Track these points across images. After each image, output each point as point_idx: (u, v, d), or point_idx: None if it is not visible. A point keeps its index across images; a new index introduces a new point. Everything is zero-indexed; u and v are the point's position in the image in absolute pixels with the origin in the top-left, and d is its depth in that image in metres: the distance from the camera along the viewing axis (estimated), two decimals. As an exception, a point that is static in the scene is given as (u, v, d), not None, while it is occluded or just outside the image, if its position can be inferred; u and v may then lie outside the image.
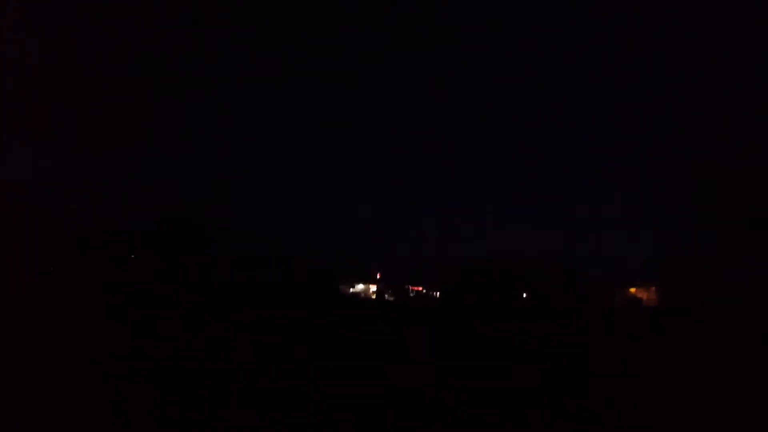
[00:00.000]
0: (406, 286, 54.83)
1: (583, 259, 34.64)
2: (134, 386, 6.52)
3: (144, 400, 5.83)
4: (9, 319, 12.30)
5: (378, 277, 57.09)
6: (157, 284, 28.55)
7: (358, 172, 72.01)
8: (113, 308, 16.56)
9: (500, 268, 43.72)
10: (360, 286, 57.75)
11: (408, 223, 68.16)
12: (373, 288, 57.24)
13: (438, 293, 55.07)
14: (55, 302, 16.41)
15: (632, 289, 28.26)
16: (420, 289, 55.58)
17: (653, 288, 27.03)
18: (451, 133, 72.31)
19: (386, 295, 53.43)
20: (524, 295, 39.97)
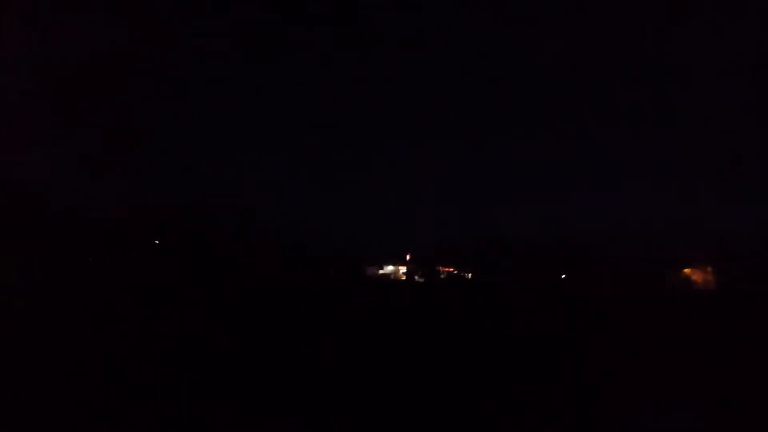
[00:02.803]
0: (437, 267, 53.81)
1: (629, 237, 32.32)
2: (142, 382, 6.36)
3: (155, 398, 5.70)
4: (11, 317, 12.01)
5: (408, 258, 56.20)
6: (190, 278, 28.41)
7: (385, 159, 71.27)
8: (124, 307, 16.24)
9: (536, 249, 41.86)
10: (390, 268, 57.15)
11: (439, 205, 66.84)
12: (402, 269, 56.48)
13: (470, 274, 53.78)
14: (60, 300, 16.20)
15: (687, 270, 25.91)
16: (451, 269, 54.39)
17: (710, 268, 24.63)
18: (482, 116, 70.09)
19: (416, 277, 52.54)
20: (562, 276, 38.07)
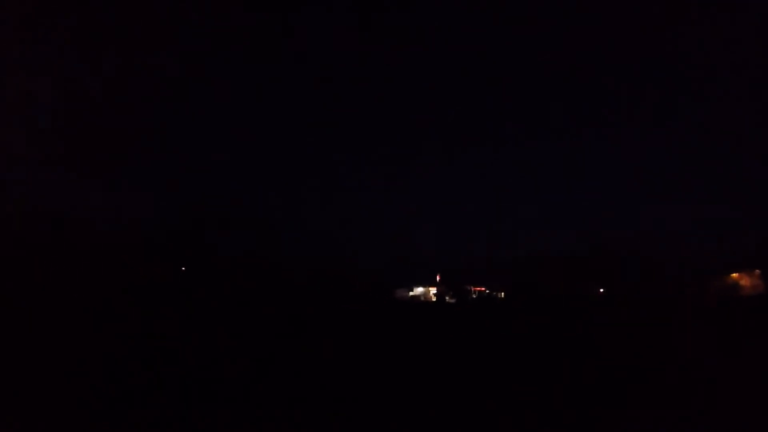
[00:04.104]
0: (468, 287, 52.49)
1: (669, 244, 30.45)
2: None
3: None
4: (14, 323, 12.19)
5: (438, 279, 55.22)
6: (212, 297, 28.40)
7: (412, 178, 71.48)
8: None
9: (569, 263, 40.19)
10: (419, 289, 56.28)
11: (469, 224, 65.75)
12: (433, 290, 55.45)
13: (502, 294, 52.10)
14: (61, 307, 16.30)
15: (734, 275, 23.92)
16: (482, 289, 52.91)
17: (758, 272, 22.63)
18: (503, 132, 69.74)
19: (447, 297, 51.38)
20: (600, 290, 36.21)
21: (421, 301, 53.01)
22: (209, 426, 5.05)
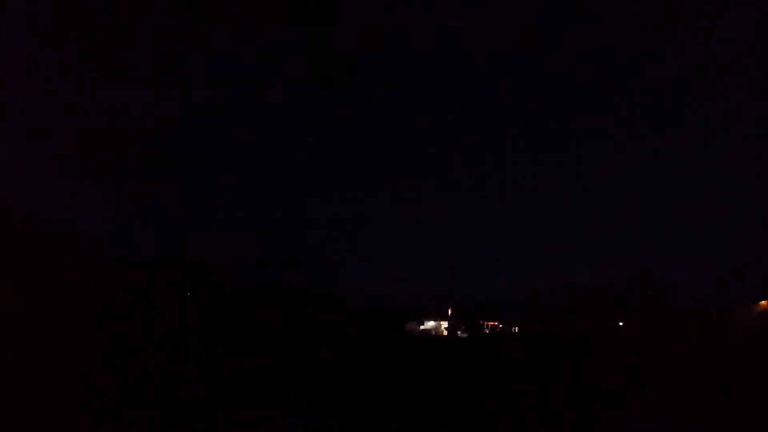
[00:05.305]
0: (481, 322, 51.16)
1: (689, 274, 29.35)
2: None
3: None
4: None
5: (450, 312, 53.88)
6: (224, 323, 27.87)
7: (426, 210, 71.17)
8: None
9: (585, 296, 38.94)
10: (431, 323, 54.78)
11: (482, 258, 64.33)
12: (445, 324, 54.02)
13: (516, 328, 50.70)
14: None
15: (762, 303, 22.74)
16: (495, 323, 51.55)
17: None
18: (513, 168, 69.81)
19: (459, 332, 49.95)
20: (620, 323, 34.85)
21: (433, 336, 51.47)
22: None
